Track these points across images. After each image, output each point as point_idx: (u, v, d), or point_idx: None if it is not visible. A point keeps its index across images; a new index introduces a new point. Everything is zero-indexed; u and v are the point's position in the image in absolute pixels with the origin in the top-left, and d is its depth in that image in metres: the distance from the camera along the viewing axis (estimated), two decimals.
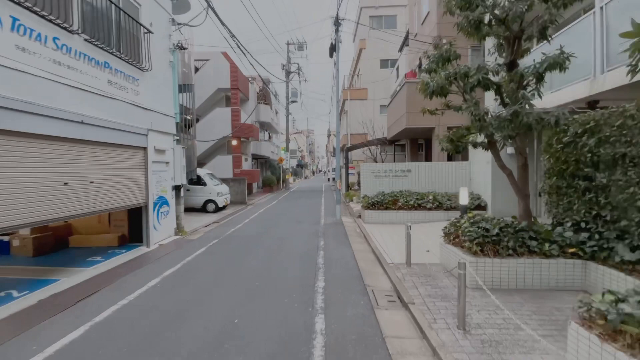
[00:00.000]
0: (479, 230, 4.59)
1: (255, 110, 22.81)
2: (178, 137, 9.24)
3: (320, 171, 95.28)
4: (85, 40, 5.75)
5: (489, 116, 4.44)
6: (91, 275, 5.56)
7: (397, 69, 17.63)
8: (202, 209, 13.49)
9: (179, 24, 8.79)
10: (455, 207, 9.31)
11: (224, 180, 16.31)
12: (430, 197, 9.60)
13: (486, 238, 4.52)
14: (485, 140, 4.86)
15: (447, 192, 10.11)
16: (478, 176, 9.75)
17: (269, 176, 23.61)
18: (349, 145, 19.80)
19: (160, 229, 8.07)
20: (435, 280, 4.83)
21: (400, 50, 17.95)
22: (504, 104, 4.45)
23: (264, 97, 24.37)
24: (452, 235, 5.13)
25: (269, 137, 25.62)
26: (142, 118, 7.30)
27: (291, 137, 61.00)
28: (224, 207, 14.30)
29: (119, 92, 6.57)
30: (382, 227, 8.96)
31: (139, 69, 7.23)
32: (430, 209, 9.40)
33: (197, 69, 18.85)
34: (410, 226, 5.42)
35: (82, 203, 5.64)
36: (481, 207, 9.24)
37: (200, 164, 19.59)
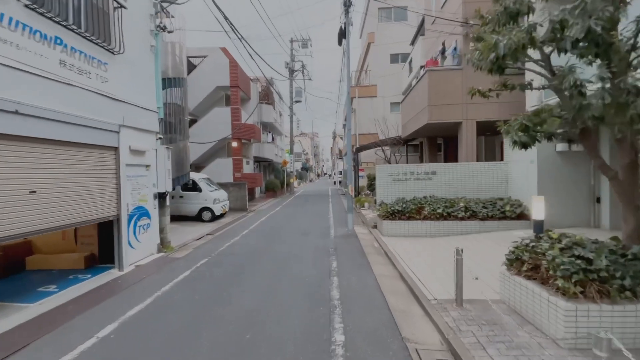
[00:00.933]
0: (576, 261, 3.08)
1: (257, 110, 21.50)
2: (162, 136, 7.86)
3: (325, 174, 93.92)
4: (26, 5, 4.39)
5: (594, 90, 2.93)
6: (27, 317, 4.14)
7: (410, 62, 16.16)
8: (197, 218, 12.11)
9: (162, 0, 7.44)
10: (493, 217, 7.76)
11: (222, 186, 14.94)
12: (462, 204, 8.07)
13: (589, 273, 3.01)
14: (576, 128, 3.33)
15: (478, 197, 8.58)
16: (518, 179, 8.20)
17: (272, 180, 22.21)
18: (358, 146, 18.33)
19: (139, 246, 6.66)
20: (506, 331, 3.32)
21: (413, 42, 16.48)
22: (612, 73, 2.94)
23: (267, 96, 23.05)
24: (525, 265, 3.61)
25: (272, 139, 24.27)
26: (111, 111, 5.92)
27: (296, 139, 59.83)
28: (222, 215, 12.90)
29: (77, 77, 5.20)
30: (406, 242, 7.45)
31: (108, 50, 5.87)
32: (462, 218, 7.87)
33: (194, 66, 17.60)
34: (461, 250, 3.91)
35: (17, 219, 4.24)
36: (524, 215, 7.69)
37: (199, 168, 18.28)
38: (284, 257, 6.73)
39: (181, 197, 12.07)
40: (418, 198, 8.69)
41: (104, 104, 5.75)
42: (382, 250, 6.97)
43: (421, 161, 14.58)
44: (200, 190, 12.08)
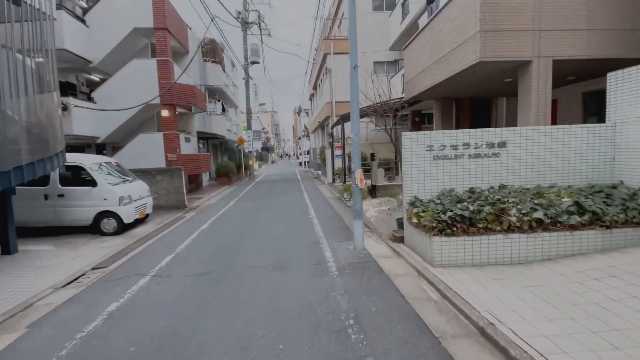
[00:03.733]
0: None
1: (200, 70, 16.21)
2: None
3: (287, 155, 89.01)
4: None
5: None
6: None
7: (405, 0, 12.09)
8: (94, 228, 7.32)
9: None
10: (627, 222, 4.25)
11: (144, 174, 10.05)
12: (566, 199, 4.43)
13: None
14: None
15: (570, 184, 5.04)
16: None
17: (225, 163, 17.39)
18: (339, 116, 14.15)
19: None
20: None
21: None
22: None
23: (213, 53, 17.69)
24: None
25: (223, 109, 19.13)
26: None
27: (255, 115, 53.89)
28: (141, 220, 8.23)
29: None
30: (494, 285, 3.64)
31: None
32: (573, 226, 4.24)
33: None
34: None
35: None
36: None
37: (115, 149, 12.95)
38: None
39: (60, 195, 7.13)
40: (480, 191, 4.90)
41: None
42: (468, 321, 3.07)
43: None
44: (94, 183, 7.21)
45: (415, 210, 4.78)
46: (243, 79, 20.13)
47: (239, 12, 19.58)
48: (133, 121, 12.87)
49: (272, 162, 55.99)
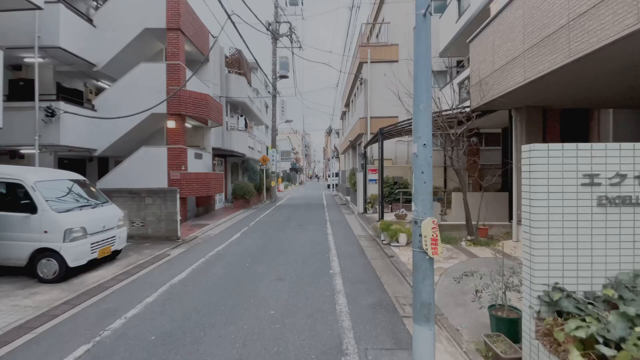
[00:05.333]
0: None
1: (222, 80, 14.67)
2: None
3: (316, 176, 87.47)
4: None
5: None
6: None
7: None
8: (29, 270, 5.23)
9: None
10: None
11: (131, 195, 8.12)
12: None
13: None
14: None
15: None
16: None
17: (242, 184, 15.35)
18: (374, 132, 11.66)
19: None
20: None
21: None
22: None
23: (238, 64, 16.24)
24: None
25: (246, 125, 17.43)
26: None
27: (284, 135, 53.09)
28: (110, 258, 6.08)
29: None
30: None
31: None
32: None
33: None
34: None
35: None
36: None
37: (117, 163, 11.38)
38: None
39: None
40: None
41: None
42: None
43: (507, 158, 7.71)
44: (34, 209, 5.18)
45: (571, 328, 2.01)
46: (269, 92, 18.48)
47: (269, 23, 18.25)
48: (137, 133, 11.27)
49: (301, 183, 54.21)
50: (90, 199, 6.29)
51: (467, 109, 7.32)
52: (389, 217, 9.26)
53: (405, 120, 8.30)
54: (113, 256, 6.53)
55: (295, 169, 52.19)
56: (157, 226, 8.28)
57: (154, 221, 8.28)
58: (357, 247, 7.37)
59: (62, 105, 9.18)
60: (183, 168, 10.69)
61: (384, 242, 7.19)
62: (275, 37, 18.27)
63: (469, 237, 7.07)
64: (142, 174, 10.44)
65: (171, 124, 10.59)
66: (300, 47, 18.82)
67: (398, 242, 6.93)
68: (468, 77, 8.06)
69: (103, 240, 5.94)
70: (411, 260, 5.72)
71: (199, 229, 9.77)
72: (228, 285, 4.95)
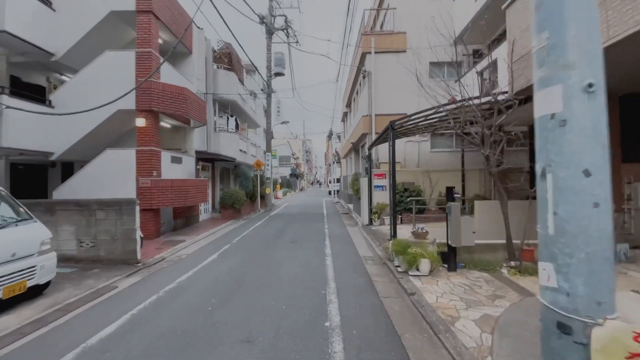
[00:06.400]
0: None
1: (208, 75, 13.12)
2: None
3: (317, 182, 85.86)
4: None
5: None
6: None
7: None
8: None
9: None
10: None
11: (80, 208, 6.48)
12: None
13: None
14: None
15: None
16: None
17: (231, 193, 13.67)
18: (379, 133, 9.98)
19: None
20: None
21: None
22: None
23: (228, 59, 14.70)
24: None
25: (237, 126, 15.82)
26: None
27: (285, 141, 51.61)
28: (34, 294, 4.36)
29: None
30: None
31: None
32: None
33: None
34: None
35: None
36: None
37: (81, 164, 9.78)
38: None
39: None
40: None
41: None
42: None
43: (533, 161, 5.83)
44: None
45: None
46: (262, 90, 16.90)
47: (263, 17, 16.76)
48: (105, 135, 9.69)
49: (301, 190, 52.49)
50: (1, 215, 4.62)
51: (504, 96, 5.62)
52: (402, 231, 7.52)
53: (427, 110, 6.49)
54: (38, 291, 4.85)
55: (295, 175, 50.56)
56: (111, 246, 6.59)
57: (107, 240, 6.59)
58: (363, 275, 5.63)
59: (5, 100, 7.61)
60: (155, 174, 9.04)
61: (399, 269, 5.46)
62: (270, 30, 16.76)
63: (511, 263, 5.32)
64: (107, 181, 8.82)
65: (140, 121, 8.97)
66: (297, 42, 17.27)
67: (419, 270, 5.19)
68: (497, 60, 6.39)
69: (11, 274, 4.26)
70: (441, 301, 4.00)
71: (171, 247, 8.07)
72: (168, 354, 3.22)
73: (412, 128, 8.10)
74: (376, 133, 11.70)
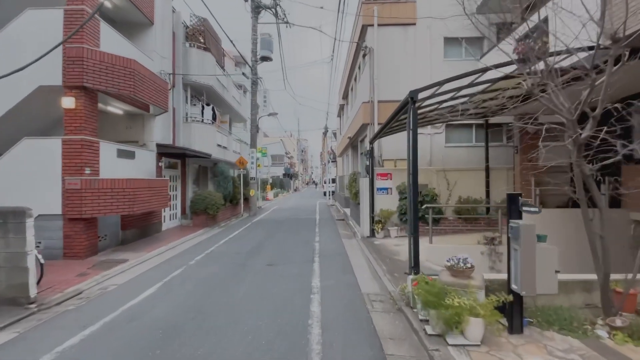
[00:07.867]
0: None
1: (176, 53, 10.91)
2: None
3: (313, 182, 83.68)
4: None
5: None
6: None
7: None
8: None
9: None
10: None
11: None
12: None
13: None
14: None
15: None
16: None
17: (203, 196, 11.44)
18: (382, 123, 7.75)
19: None
20: None
21: None
22: None
23: (204, 37, 12.46)
24: None
25: (214, 117, 13.56)
26: None
27: (278, 139, 49.34)
28: None
29: None
30: None
31: None
32: None
33: None
34: None
35: None
36: None
37: None
38: None
39: None
40: None
41: None
42: None
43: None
44: None
45: None
46: (244, 74, 14.65)
47: None
48: (26, 121, 7.45)
49: (295, 190, 50.22)
50: None
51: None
52: (422, 248, 5.31)
53: (473, 73, 4.31)
54: None
55: (289, 175, 48.30)
56: None
57: None
58: (369, 339, 3.45)
59: None
60: (88, 171, 6.79)
61: (429, 329, 3.30)
62: (258, 6, 14.55)
63: (617, 321, 3.20)
64: (23, 181, 6.59)
65: (68, 101, 6.71)
66: (287, 22, 15.08)
67: (464, 335, 3.04)
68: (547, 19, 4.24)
69: None
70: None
71: (101, 272, 5.83)
72: None
73: (440, 111, 5.94)
74: (379, 123, 9.56)
